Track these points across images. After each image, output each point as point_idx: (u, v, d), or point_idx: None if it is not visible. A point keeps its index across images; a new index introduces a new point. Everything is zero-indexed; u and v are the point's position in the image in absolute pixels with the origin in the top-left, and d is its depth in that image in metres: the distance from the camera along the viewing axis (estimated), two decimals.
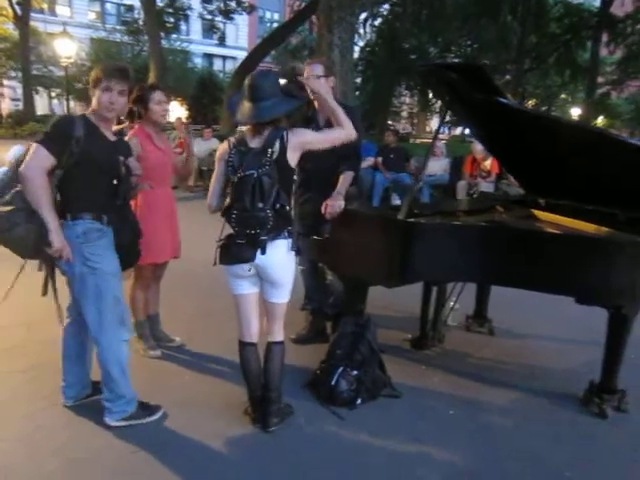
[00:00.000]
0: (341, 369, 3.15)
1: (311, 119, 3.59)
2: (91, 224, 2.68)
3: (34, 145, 2.55)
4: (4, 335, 3.86)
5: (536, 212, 3.86)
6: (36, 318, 4.00)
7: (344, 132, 2.76)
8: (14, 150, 2.93)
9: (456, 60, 19.95)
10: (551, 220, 3.67)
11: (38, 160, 2.54)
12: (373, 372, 3.23)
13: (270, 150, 2.59)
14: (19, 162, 2.58)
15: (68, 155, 2.57)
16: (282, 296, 2.83)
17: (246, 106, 2.64)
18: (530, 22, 20.64)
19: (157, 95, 3.42)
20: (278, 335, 2.89)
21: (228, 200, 2.66)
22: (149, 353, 3.65)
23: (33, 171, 2.52)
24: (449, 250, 3.08)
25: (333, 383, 3.13)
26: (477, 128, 4.13)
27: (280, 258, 2.71)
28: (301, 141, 2.66)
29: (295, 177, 2.76)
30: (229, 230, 2.70)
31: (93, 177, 2.68)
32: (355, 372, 3.15)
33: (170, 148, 3.63)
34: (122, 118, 3.49)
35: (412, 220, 3.14)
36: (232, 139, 2.74)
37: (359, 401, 3.13)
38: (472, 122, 4.01)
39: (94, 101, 2.73)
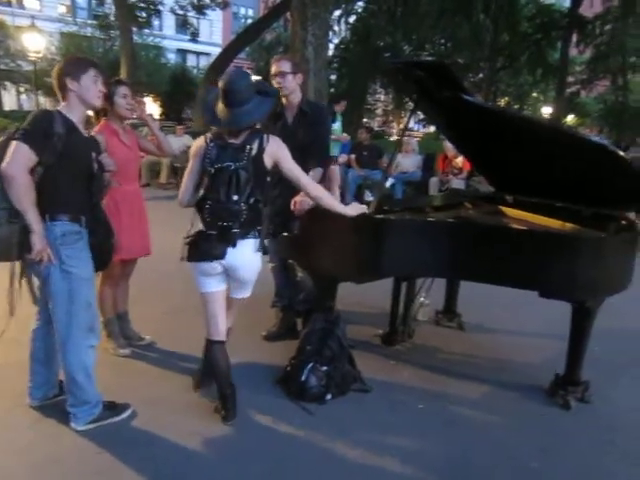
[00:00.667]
0: (311, 365, 3.16)
1: (279, 115, 3.59)
2: (70, 226, 2.61)
3: (14, 142, 2.44)
4: None
5: (504, 209, 3.92)
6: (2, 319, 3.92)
7: (307, 187, 2.85)
8: None
9: (428, 58, 20.09)
10: (518, 216, 3.74)
11: (20, 158, 2.43)
12: (343, 367, 3.25)
13: (249, 147, 2.62)
14: None
15: (50, 152, 2.50)
16: (246, 292, 2.93)
17: (223, 110, 2.62)
18: (502, 21, 20.92)
19: (122, 89, 3.39)
20: (230, 323, 3.06)
21: (202, 192, 2.64)
22: (118, 352, 3.61)
23: (16, 169, 2.41)
24: (417, 246, 3.11)
25: (303, 379, 3.14)
26: (445, 126, 4.17)
27: (249, 258, 2.74)
28: (276, 154, 2.70)
29: (269, 179, 2.74)
30: (198, 227, 2.70)
31: (72, 176, 2.61)
32: (325, 368, 3.17)
33: (136, 145, 3.59)
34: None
35: (380, 216, 3.17)
36: (209, 135, 2.73)
37: (329, 396, 3.14)
38: (440, 120, 4.06)
39: (83, 92, 2.62)
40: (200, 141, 2.74)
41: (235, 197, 2.57)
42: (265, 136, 2.68)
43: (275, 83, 3.47)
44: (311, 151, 3.22)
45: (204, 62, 32.94)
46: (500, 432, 2.98)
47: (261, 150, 2.65)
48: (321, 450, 2.74)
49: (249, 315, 3.17)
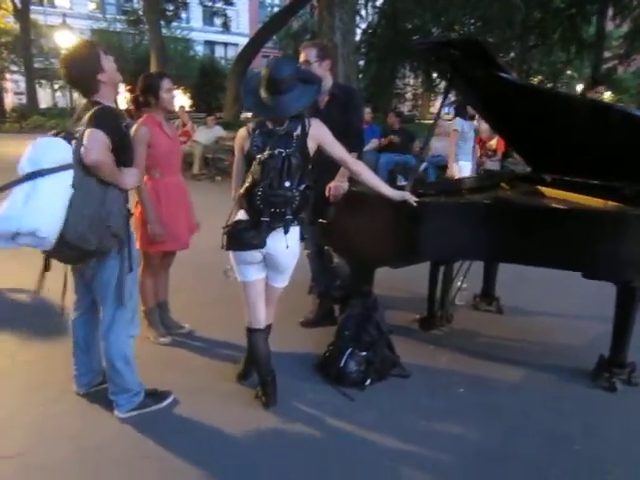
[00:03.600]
0: (350, 350, 3.16)
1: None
2: (127, 215, 2.70)
3: (88, 130, 2.41)
4: (20, 325, 3.90)
5: (541, 188, 3.83)
6: (50, 308, 4.04)
7: (350, 164, 2.87)
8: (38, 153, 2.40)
9: (454, 36, 19.69)
10: (557, 196, 3.64)
11: (97, 142, 2.40)
12: (382, 352, 3.24)
13: (295, 134, 2.61)
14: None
15: (124, 148, 2.58)
16: (284, 280, 2.91)
17: (266, 97, 2.60)
18: None
19: (166, 83, 3.44)
20: (270, 318, 3.03)
21: (250, 179, 2.56)
22: (159, 340, 3.67)
23: (96, 154, 2.39)
24: (456, 229, 3.07)
25: (342, 364, 3.14)
26: (480, 105, 4.09)
27: (291, 246, 2.72)
28: (320, 137, 2.70)
29: (310, 165, 2.70)
30: (237, 216, 2.69)
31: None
32: (364, 353, 3.16)
33: (177, 137, 3.64)
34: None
35: (417, 199, 3.13)
36: (250, 125, 2.71)
37: (368, 381, 3.14)
38: (475, 99, 3.98)
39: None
40: (242, 132, 2.72)
41: (287, 183, 2.52)
42: (307, 120, 2.67)
43: None
44: (346, 135, 3.19)
45: (232, 53, 33.10)
46: (542, 415, 2.94)
47: (305, 134, 2.64)
48: (361, 435, 2.74)
49: (286, 302, 3.18)
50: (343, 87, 3.78)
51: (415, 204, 2.95)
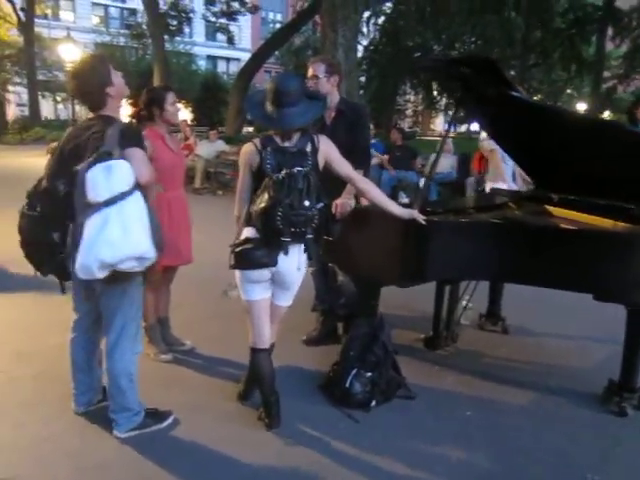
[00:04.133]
0: (355, 371, 3.09)
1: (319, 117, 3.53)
2: None
3: (132, 150, 2.41)
4: (16, 341, 3.83)
5: (549, 208, 3.79)
6: (47, 324, 3.98)
7: (357, 182, 2.85)
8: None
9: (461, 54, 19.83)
10: (565, 216, 3.60)
11: (145, 161, 2.48)
12: (387, 373, 3.18)
13: (307, 150, 2.59)
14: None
15: None
16: (290, 299, 2.86)
17: (272, 111, 2.58)
18: (534, 17, 20.53)
19: (171, 96, 3.43)
20: (273, 337, 2.96)
21: (266, 199, 2.46)
22: (160, 357, 3.60)
23: (150, 173, 2.48)
24: (464, 248, 3.02)
25: (347, 385, 3.07)
26: (489, 123, 4.06)
27: (300, 263, 2.68)
28: (328, 154, 2.69)
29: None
30: (245, 234, 2.63)
31: None
32: (369, 374, 3.10)
33: (181, 150, 3.61)
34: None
35: (425, 218, 3.09)
36: (257, 140, 2.66)
37: (374, 403, 3.07)
38: (483, 117, 3.95)
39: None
40: (249, 147, 2.66)
41: (307, 203, 2.46)
42: (315, 137, 2.66)
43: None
44: (352, 152, 3.16)
45: (234, 68, 33.34)
46: (550, 440, 2.87)
47: (315, 151, 2.62)
48: (366, 459, 2.66)
49: (289, 319, 3.12)
50: (350, 103, 3.76)
51: (424, 223, 2.91)
